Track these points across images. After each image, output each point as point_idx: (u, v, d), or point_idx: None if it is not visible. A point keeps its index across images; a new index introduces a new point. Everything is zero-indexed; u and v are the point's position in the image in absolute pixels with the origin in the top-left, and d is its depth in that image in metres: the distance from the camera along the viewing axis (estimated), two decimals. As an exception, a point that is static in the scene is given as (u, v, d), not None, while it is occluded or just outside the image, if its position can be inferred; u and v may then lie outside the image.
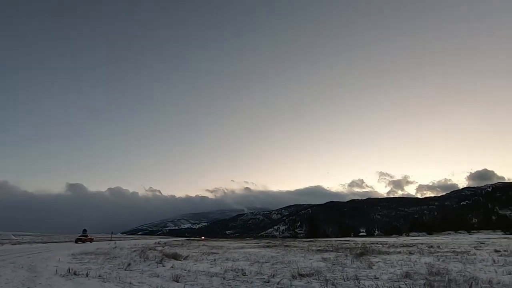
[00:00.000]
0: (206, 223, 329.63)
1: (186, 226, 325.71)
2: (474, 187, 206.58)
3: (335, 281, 5.74)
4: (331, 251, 14.75)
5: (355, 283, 5.53)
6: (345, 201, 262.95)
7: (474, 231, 63.05)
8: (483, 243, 19.52)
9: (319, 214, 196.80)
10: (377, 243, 24.41)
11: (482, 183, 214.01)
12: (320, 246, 20.43)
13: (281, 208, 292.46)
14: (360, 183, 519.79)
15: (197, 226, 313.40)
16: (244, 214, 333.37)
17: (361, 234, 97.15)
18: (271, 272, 7.00)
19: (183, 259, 10.37)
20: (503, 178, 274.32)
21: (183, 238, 73.91)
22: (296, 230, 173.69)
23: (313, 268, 7.48)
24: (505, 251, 12.25)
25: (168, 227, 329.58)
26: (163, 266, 8.33)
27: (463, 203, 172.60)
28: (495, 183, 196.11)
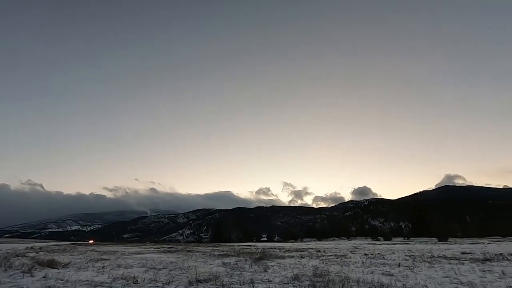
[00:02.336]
0: (100, 225, 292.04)
1: (73, 228, 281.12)
2: (355, 201, 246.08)
3: (232, 285, 5.83)
4: (233, 255, 15.04)
5: (250, 286, 5.74)
6: (252, 207, 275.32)
7: (352, 237, 74.88)
8: (357, 248, 23.24)
9: (226, 219, 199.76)
10: (275, 248, 26.20)
11: (361, 198, 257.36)
12: (223, 251, 20.60)
13: (189, 212, 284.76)
14: (266, 191, 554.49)
15: (89, 229, 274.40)
16: (147, 216, 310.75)
17: (262, 239, 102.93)
18: (167, 279, 6.62)
19: (62, 267, 8.81)
20: (376, 194, 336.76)
21: (67, 242, 63.37)
22: (201, 234, 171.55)
23: (212, 273, 7.43)
24: (371, 254, 14.84)
25: (49, 228, 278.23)
26: (32, 276, 6.86)
27: (346, 214, 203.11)
28: (371, 198, 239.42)
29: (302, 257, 13.81)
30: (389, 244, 34.10)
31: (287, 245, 39.60)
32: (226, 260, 12.07)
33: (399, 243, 34.86)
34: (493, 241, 35.92)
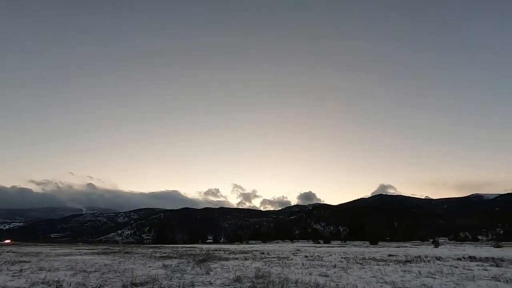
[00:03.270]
0: (22, 223, 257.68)
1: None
2: (301, 205, 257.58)
3: (170, 288, 5.60)
4: (175, 257, 14.51)
5: (189, 289, 5.58)
6: (200, 208, 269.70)
7: (296, 240, 78.07)
8: (299, 250, 24.28)
9: (171, 219, 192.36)
10: (220, 250, 26.00)
11: (306, 202, 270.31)
12: (165, 253, 19.74)
13: (131, 211, 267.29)
14: (216, 192, 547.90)
15: (7, 227, 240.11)
16: (82, 214, 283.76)
17: (208, 241, 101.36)
18: (98, 283, 6.08)
19: (-34, 271, 7.53)
20: (320, 200, 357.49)
21: (-23, 242, 54.35)
22: (143, 235, 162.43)
23: (151, 276, 7.05)
24: (311, 256, 15.62)
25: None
26: None
27: (292, 217, 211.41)
28: (315, 203, 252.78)
29: (246, 259, 13.93)
30: (328, 247, 36.35)
31: (233, 247, 39.61)
32: (168, 262, 11.58)
33: (337, 246, 37.43)
34: (414, 245, 40.71)
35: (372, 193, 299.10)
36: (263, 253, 20.17)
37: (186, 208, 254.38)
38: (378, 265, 10.39)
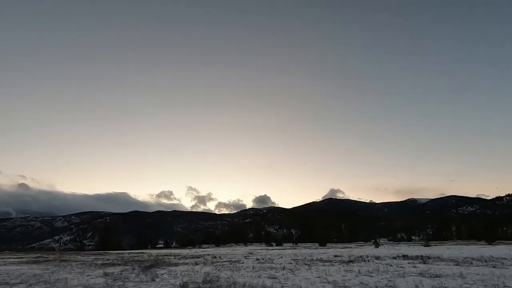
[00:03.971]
0: None
1: None
2: (256, 208, 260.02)
3: (109, 298, 5.22)
4: (119, 264, 13.58)
5: (131, 298, 5.26)
6: (151, 211, 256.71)
7: (249, 243, 78.52)
8: (252, 253, 24.46)
9: (118, 224, 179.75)
10: (170, 255, 25.00)
11: (261, 206, 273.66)
12: (108, 260, 18.35)
13: (71, 215, 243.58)
14: (169, 194, 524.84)
15: None
16: (11, 218, 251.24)
17: (158, 246, 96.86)
18: (22, 296, 5.42)
19: None
20: (275, 203, 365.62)
21: None
22: (84, 241, 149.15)
23: (88, 286, 6.50)
24: (263, 259, 15.85)
25: None
26: None
27: (246, 220, 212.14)
28: (269, 207, 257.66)
29: (196, 263, 13.60)
30: (280, 249, 37.24)
31: (184, 251, 38.38)
32: (110, 270, 10.77)
33: (288, 248, 38.54)
34: (358, 246, 43.76)
35: (323, 197, 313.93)
36: (215, 257, 19.90)
37: (136, 212, 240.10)
38: (324, 265, 10.93)
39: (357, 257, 15.30)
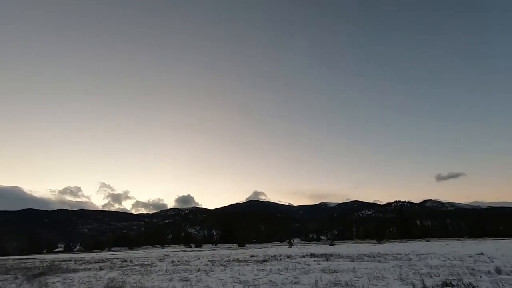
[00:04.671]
0: None
1: None
2: (177, 209, 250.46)
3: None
4: (-2, 273, 11.24)
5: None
6: (51, 210, 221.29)
7: (167, 245, 74.92)
8: (168, 256, 23.37)
9: (7, 224, 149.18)
10: (70, 260, 21.94)
11: (184, 206, 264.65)
12: (-19, 268, 14.99)
13: None
14: (76, 191, 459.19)
15: None
16: None
17: (57, 250, 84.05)
18: None
19: None
20: (198, 203, 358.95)
21: None
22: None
23: None
24: (178, 261, 15.29)
25: None
26: None
27: (166, 221, 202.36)
28: (192, 207, 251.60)
29: (101, 268, 12.24)
30: (199, 250, 36.61)
31: (89, 255, 34.21)
32: (-19, 280, 8.78)
33: (207, 250, 38.19)
34: (274, 246, 46.34)
35: (246, 198, 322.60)
36: (125, 260, 18.29)
37: (31, 209, 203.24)
38: (239, 265, 11.17)
39: (271, 256, 16.15)
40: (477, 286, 5.19)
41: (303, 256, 15.17)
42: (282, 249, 29.99)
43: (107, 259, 22.01)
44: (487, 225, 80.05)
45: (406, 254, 14.02)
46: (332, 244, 39.66)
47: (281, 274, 8.03)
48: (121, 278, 8.11)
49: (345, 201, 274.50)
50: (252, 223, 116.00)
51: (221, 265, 11.82)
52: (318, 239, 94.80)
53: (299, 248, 28.98)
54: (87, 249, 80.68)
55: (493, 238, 49.68)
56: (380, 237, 54.09)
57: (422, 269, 8.08)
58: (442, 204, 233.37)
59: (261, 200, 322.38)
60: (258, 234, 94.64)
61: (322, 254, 16.47)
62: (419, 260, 11.02)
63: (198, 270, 9.79)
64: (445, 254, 13.72)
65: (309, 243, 58.00)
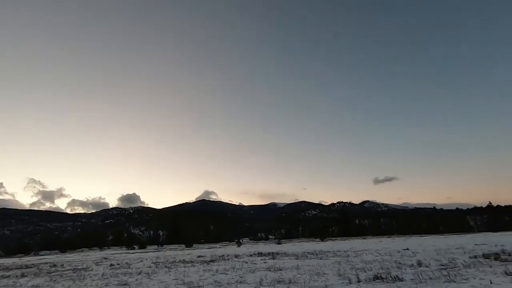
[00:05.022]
0: None
1: None
2: (121, 208, 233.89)
3: None
4: None
5: None
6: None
7: (107, 247, 69.39)
8: (107, 259, 21.64)
9: None
10: (-15, 267, 18.94)
11: (128, 205, 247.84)
12: None
13: None
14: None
15: None
16: None
17: (-32, 255, 71.84)
18: None
19: None
20: (144, 202, 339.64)
21: None
22: None
23: None
24: (118, 264, 14.26)
25: None
26: None
27: (107, 221, 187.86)
28: (137, 206, 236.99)
29: (23, 275, 10.80)
30: (142, 252, 34.62)
31: (10, 261, 30.01)
32: None
33: (152, 251, 36.34)
34: (223, 246, 46.12)
35: (196, 198, 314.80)
36: (55, 265, 16.43)
37: None
38: (185, 267, 10.83)
39: (219, 256, 16.02)
40: (402, 277, 5.80)
41: (251, 255, 15.34)
42: (230, 249, 29.98)
43: (33, 264, 19.53)
44: (413, 223, 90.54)
45: (345, 251, 15.10)
46: (279, 243, 40.91)
47: (227, 274, 7.98)
48: (48, 285, 7.25)
49: (293, 202, 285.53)
50: (202, 223, 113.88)
51: (166, 266, 11.33)
52: (267, 238, 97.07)
53: (248, 248, 29.28)
54: (9, 253, 70.51)
55: (417, 235, 56.44)
56: (323, 236, 57.42)
57: (358, 264, 8.76)
58: (377, 204, 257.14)
59: (212, 199, 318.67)
60: (207, 234, 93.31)
61: (269, 253, 16.85)
62: (356, 256, 11.95)
63: (140, 273, 9.24)
64: (378, 250, 15.13)
65: (257, 243, 58.98)
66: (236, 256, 15.00)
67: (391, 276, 5.96)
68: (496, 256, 9.46)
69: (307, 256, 12.92)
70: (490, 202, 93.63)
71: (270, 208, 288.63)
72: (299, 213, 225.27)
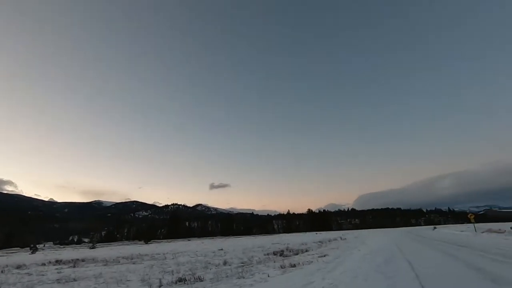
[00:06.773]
0: None
1: None
2: None
3: None
4: None
5: None
6: None
7: None
8: None
9: None
10: None
11: None
12: None
13: None
14: None
15: None
16: None
17: None
18: None
19: None
20: None
21: None
22: None
23: None
24: None
25: None
26: None
27: None
28: None
29: None
30: None
31: None
32: None
33: None
34: (7, 253, 34.77)
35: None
36: None
37: None
38: None
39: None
40: (203, 278, 6.10)
41: (43, 264, 12.25)
42: (18, 257, 23.03)
43: None
44: (234, 226, 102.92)
45: (164, 254, 14.81)
46: (93, 247, 35.58)
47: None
48: None
49: (123, 201, 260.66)
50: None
51: None
52: (79, 242, 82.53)
53: (45, 255, 23.51)
54: None
55: (235, 236, 64.43)
56: (149, 238, 55.04)
57: (170, 267, 8.65)
58: (209, 208, 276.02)
59: (5, 191, 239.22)
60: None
61: (72, 260, 14.08)
62: (173, 258, 11.90)
63: None
64: (197, 251, 15.82)
65: (64, 248, 48.90)
66: (18, 267, 11.50)
67: (194, 277, 6.15)
68: (281, 253, 11.96)
69: (119, 262, 11.66)
70: (288, 210, 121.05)
71: (93, 207, 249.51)
72: (129, 213, 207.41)
